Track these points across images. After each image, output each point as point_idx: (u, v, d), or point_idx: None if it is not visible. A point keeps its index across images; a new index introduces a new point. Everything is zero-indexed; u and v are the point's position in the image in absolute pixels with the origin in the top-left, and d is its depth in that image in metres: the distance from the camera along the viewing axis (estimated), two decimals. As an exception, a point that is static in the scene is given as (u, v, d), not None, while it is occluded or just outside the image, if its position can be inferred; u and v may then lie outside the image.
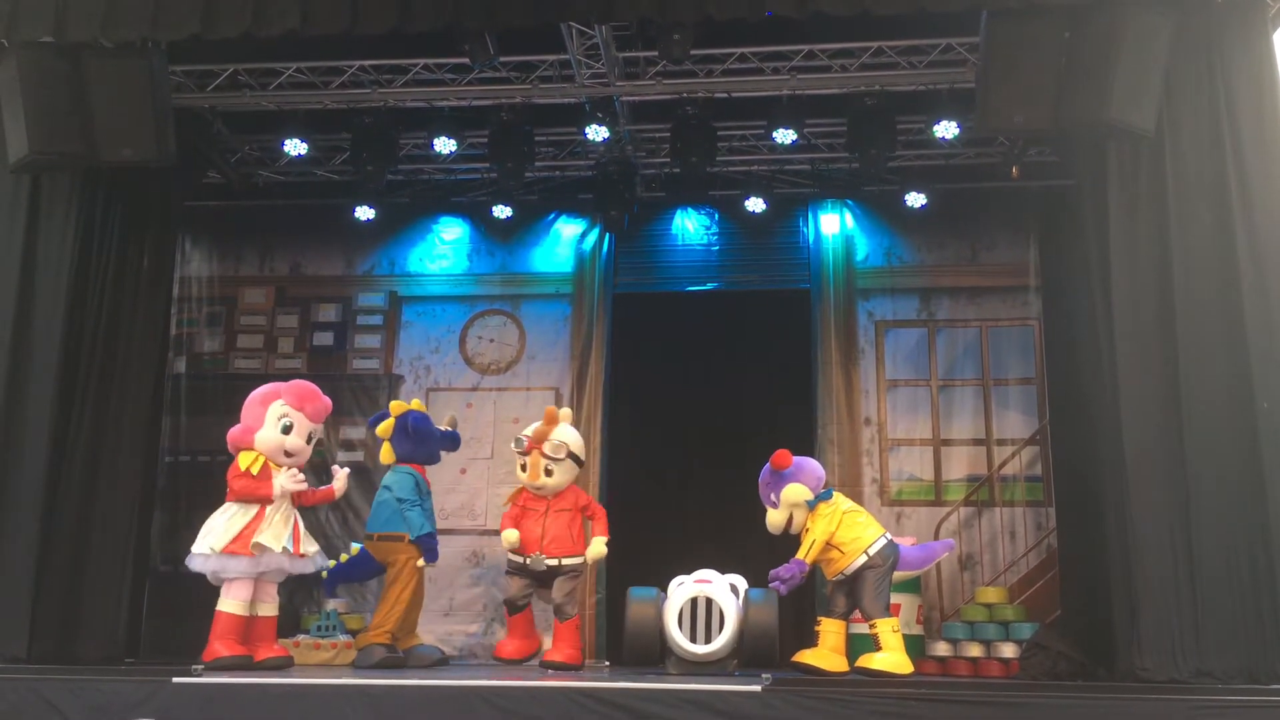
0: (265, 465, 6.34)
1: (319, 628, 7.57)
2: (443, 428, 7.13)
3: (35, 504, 6.38)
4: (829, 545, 6.21)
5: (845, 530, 6.22)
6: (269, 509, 6.29)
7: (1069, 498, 7.68)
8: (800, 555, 6.17)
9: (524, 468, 6.83)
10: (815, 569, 6.39)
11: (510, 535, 6.72)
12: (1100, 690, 5.46)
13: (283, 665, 6.29)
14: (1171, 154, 6.02)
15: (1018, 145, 8.15)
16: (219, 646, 6.06)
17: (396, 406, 7.06)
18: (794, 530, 6.36)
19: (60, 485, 6.57)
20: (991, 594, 7.88)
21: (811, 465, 6.54)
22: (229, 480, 6.33)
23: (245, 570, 6.18)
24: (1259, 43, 6.15)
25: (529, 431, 6.89)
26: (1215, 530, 5.62)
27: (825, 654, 6.14)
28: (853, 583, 6.22)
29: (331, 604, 8.00)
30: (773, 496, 6.40)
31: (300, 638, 7.44)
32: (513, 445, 6.94)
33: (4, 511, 6.32)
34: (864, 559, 6.17)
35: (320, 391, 6.68)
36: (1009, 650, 7.45)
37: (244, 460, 6.32)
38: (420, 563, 6.74)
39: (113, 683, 5.16)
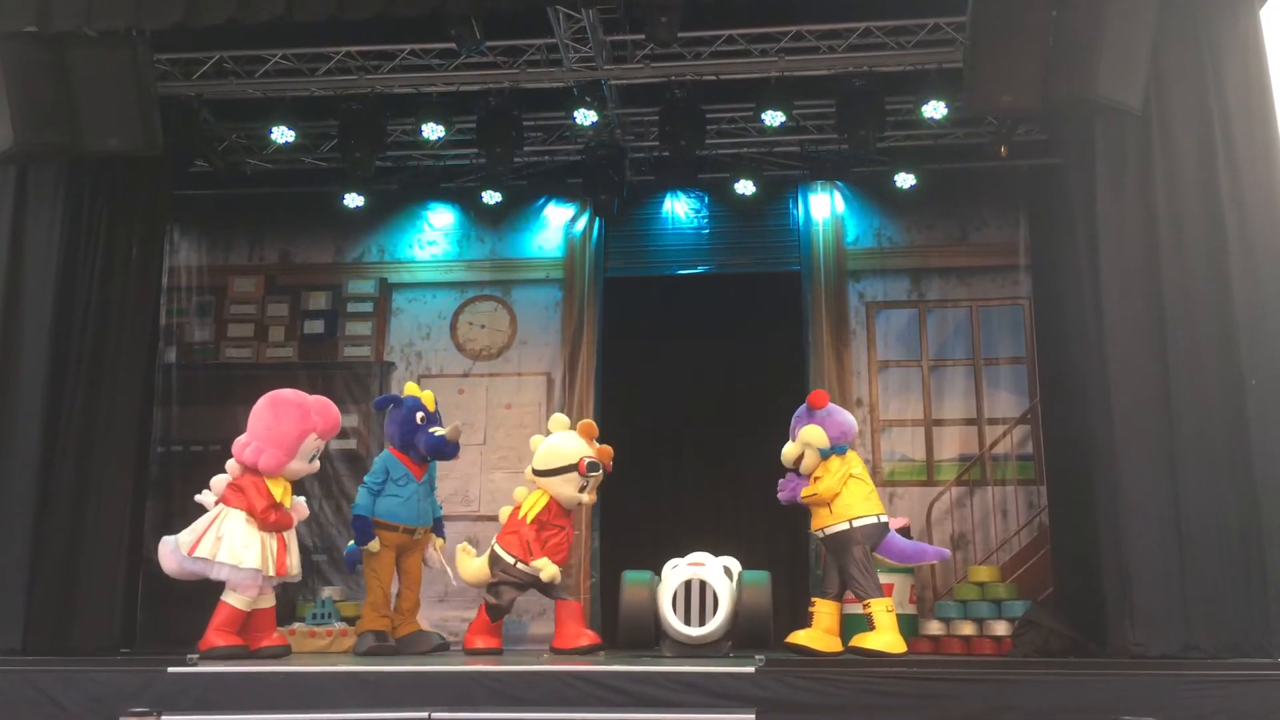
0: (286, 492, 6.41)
1: (314, 615, 7.59)
2: (436, 430, 6.82)
3: (28, 496, 6.37)
4: (823, 499, 6.25)
5: (844, 493, 6.24)
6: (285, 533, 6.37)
7: (1060, 476, 7.71)
8: (805, 492, 6.28)
9: (585, 489, 6.50)
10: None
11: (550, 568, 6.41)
12: (1092, 666, 5.49)
13: (280, 654, 6.29)
14: (1159, 131, 6.03)
15: (1006, 124, 8.14)
16: (215, 638, 6.06)
17: (410, 388, 7.01)
18: (804, 471, 6.42)
19: (52, 477, 6.55)
20: (983, 572, 7.93)
21: (843, 417, 6.51)
22: (257, 508, 6.17)
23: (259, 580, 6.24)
24: (1246, 19, 6.15)
25: (590, 454, 6.48)
26: (1204, 506, 5.65)
27: (819, 635, 6.18)
28: (836, 554, 6.24)
29: (326, 592, 8.03)
30: (796, 430, 6.47)
31: (296, 625, 7.45)
32: (591, 471, 6.43)
33: (-3, 503, 6.33)
34: (845, 526, 6.19)
35: (336, 409, 6.71)
36: (1001, 628, 7.50)
37: (276, 490, 6.27)
38: (372, 546, 6.59)
39: (108, 673, 5.16)
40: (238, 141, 8.77)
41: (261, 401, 6.54)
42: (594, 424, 6.75)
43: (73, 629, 6.55)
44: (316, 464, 6.62)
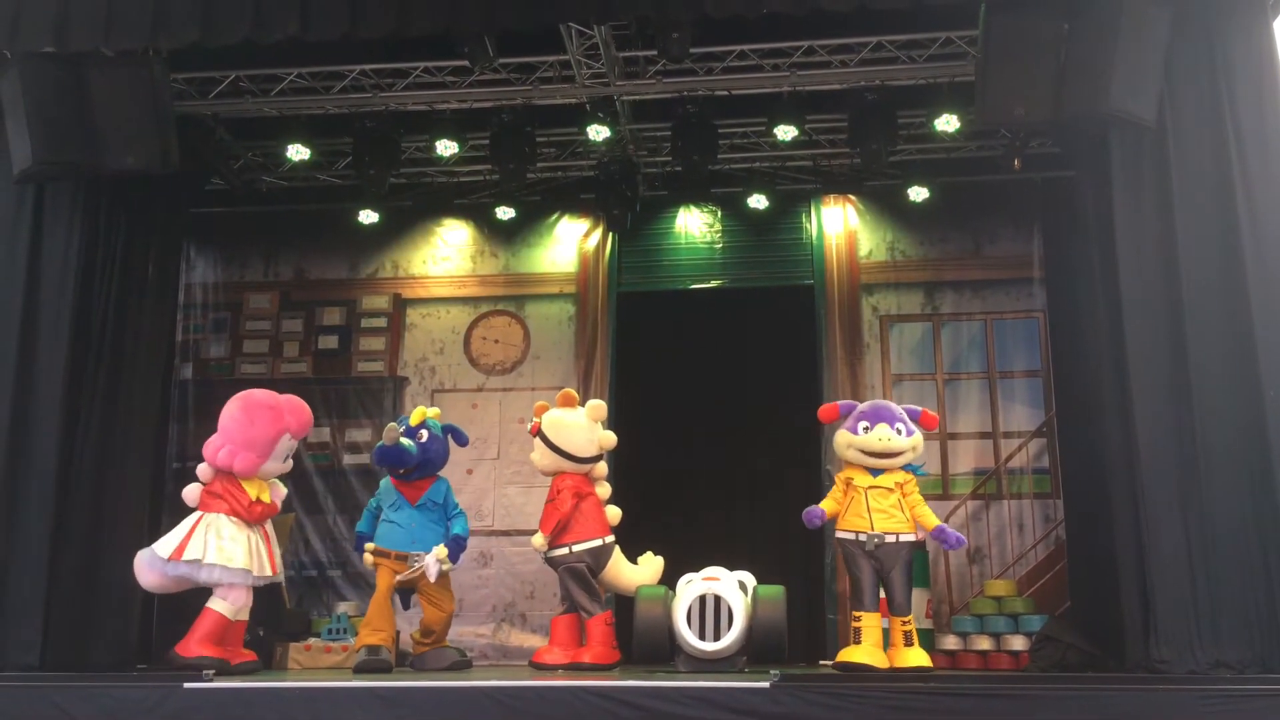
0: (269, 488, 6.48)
1: (329, 631, 7.60)
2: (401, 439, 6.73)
3: (45, 512, 6.39)
4: (898, 505, 6.17)
5: (919, 508, 6.24)
6: (268, 527, 6.43)
7: (1077, 489, 7.66)
8: (931, 524, 6.16)
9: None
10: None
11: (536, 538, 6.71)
12: (1110, 681, 5.45)
13: (254, 670, 6.28)
14: (1174, 142, 6.01)
15: (1019, 137, 8.14)
16: (197, 647, 6.02)
17: (416, 415, 6.90)
18: (888, 465, 6.24)
19: (70, 493, 6.58)
20: (1000, 587, 7.88)
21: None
22: (241, 504, 6.26)
23: (252, 581, 6.26)
24: (1259, 29, 6.14)
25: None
26: (1225, 520, 5.61)
27: (871, 650, 6.04)
28: (890, 562, 6.10)
29: (342, 607, 8.03)
30: (900, 426, 6.28)
31: (311, 641, 7.47)
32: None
33: (15, 520, 6.34)
34: (913, 538, 6.18)
35: (307, 406, 6.70)
36: (1018, 643, 7.45)
37: (253, 490, 6.33)
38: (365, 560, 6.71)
39: (125, 689, 5.18)
40: (253, 159, 8.83)
41: (233, 403, 6.56)
42: (569, 393, 7.00)
43: (90, 645, 6.56)
44: (290, 463, 6.66)
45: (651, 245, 9.24)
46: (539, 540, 6.62)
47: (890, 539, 6.12)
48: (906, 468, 6.30)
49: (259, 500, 6.32)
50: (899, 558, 6.09)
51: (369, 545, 6.73)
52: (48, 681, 5.47)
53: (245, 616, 6.35)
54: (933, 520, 6.20)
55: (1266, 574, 5.53)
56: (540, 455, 6.86)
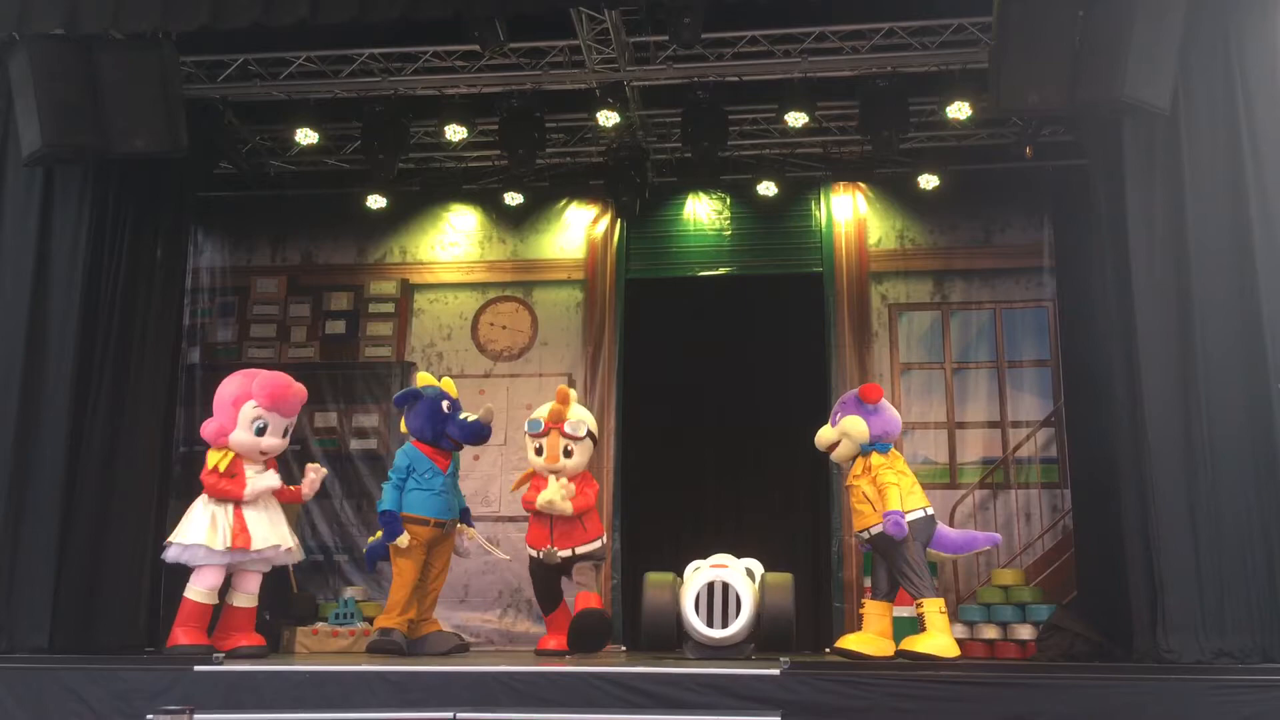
0: (235, 462, 6.27)
1: (337, 615, 7.62)
2: (469, 416, 6.73)
3: (54, 496, 6.39)
4: (864, 498, 6.09)
5: (886, 490, 6.02)
6: (246, 507, 6.24)
7: (1085, 479, 7.66)
8: (892, 506, 5.92)
9: (539, 451, 6.57)
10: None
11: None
12: (1118, 671, 5.45)
13: (259, 654, 6.23)
14: (1186, 130, 5.97)
15: (1031, 125, 8.11)
16: (179, 634, 6.05)
17: (423, 378, 6.89)
18: (835, 459, 6.35)
19: (78, 477, 6.58)
20: (1008, 576, 7.88)
21: (890, 414, 6.32)
22: (201, 477, 6.27)
23: (218, 560, 6.16)
24: (1273, 17, 6.10)
25: (542, 412, 6.66)
26: (1232, 510, 5.60)
27: (869, 638, 6.04)
28: (885, 553, 6.09)
29: (349, 592, 8.05)
30: (838, 416, 6.30)
31: (319, 625, 7.49)
32: (526, 427, 6.67)
33: (23, 503, 6.34)
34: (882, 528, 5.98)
35: (291, 382, 6.45)
36: (1026, 632, 7.46)
37: (212, 458, 6.26)
38: (401, 541, 6.37)
39: (135, 671, 5.19)
40: (261, 143, 8.82)
41: None
42: (567, 389, 6.72)
43: (98, 627, 6.58)
44: (273, 440, 6.33)
45: (660, 232, 9.21)
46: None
47: (865, 534, 6.19)
48: (874, 447, 6.16)
49: (214, 470, 6.19)
50: (890, 544, 6.03)
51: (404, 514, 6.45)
52: (57, 664, 5.48)
53: (247, 601, 6.28)
54: (892, 504, 5.95)
55: (1269, 565, 5.53)
56: (584, 454, 6.65)
